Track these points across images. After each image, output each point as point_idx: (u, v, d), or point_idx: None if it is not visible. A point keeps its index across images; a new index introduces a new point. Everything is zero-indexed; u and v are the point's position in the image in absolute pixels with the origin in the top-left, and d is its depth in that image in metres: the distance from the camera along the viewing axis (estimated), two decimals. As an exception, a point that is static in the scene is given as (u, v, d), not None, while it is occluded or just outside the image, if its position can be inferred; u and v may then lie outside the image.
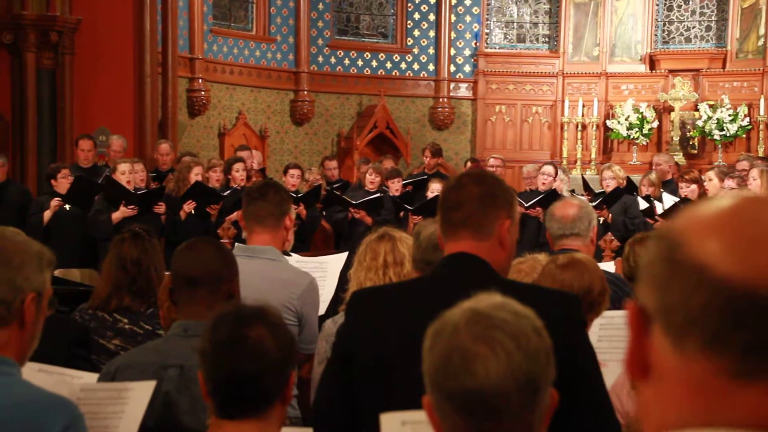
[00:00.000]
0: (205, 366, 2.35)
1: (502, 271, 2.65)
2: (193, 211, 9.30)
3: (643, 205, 9.61)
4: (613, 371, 3.12)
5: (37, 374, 2.94)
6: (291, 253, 5.24)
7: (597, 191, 10.56)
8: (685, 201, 9.16)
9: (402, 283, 3.43)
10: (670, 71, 16.27)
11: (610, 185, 9.86)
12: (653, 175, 10.31)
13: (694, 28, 16.78)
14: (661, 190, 10.18)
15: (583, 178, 12.26)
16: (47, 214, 9.20)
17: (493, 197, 2.61)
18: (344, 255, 5.25)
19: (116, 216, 8.82)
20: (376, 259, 4.00)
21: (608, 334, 3.68)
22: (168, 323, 3.57)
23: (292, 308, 4.17)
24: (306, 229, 9.81)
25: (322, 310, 4.60)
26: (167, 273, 3.73)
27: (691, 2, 16.74)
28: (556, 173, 10.31)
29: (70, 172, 9.52)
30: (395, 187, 10.68)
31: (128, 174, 9.03)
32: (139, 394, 2.90)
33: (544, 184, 10.11)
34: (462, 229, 2.60)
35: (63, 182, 9.28)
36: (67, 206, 9.21)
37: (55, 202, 9.19)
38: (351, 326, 2.70)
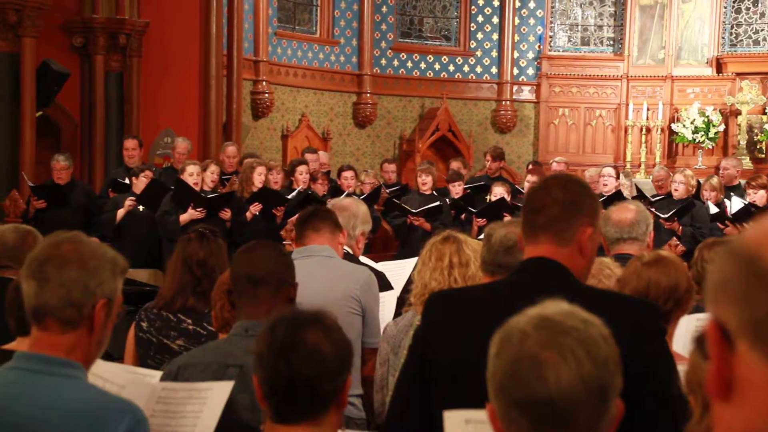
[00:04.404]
0: (260, 369, 2.32)
1: (580, 279, 2.59)
2: (258, 213, 9.33)
3: (713, 209, 9.44)
4: None
5: (119, 373, 2.99)
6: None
7: (651, 196, 10.42)
8: (753, 206, 9.01)
9: (480, 285, 3.36)
10: (738, 74, 16.02)
11: (679, 189, 9.69)
12: (715, 180, 10.15)
13: (762, 30, 16.50)
14: (732, 194, 10.01)
15: (635, 183, 12.13)
16: (120, 213, 9.18)
17: (576, 203, 2.56)
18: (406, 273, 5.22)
19: (184, 218, 8.82)
20: (441, 260, 3.98)
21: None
22: (220, 323, 3.61)
23: (355, 298, 4.26)
24: (366, 231, 9.82)
25: (387, 320, 4.58)
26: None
27: (760, 5, 16.47)
28: (618, 175, 10.25)
29: (153, 174, 9.52)
30: (456, 190, 10.65)
31: (196, 176, 9.01)
32: (217, 394, 2.92)
33: (605, 186, 10.06)
34: (543, 233, 2.55)
35: (140, 182, 9.21)
36: (141, 207, 9.20)
37: (129, 201, 9.17)
38: (428, 328, 2.66)
